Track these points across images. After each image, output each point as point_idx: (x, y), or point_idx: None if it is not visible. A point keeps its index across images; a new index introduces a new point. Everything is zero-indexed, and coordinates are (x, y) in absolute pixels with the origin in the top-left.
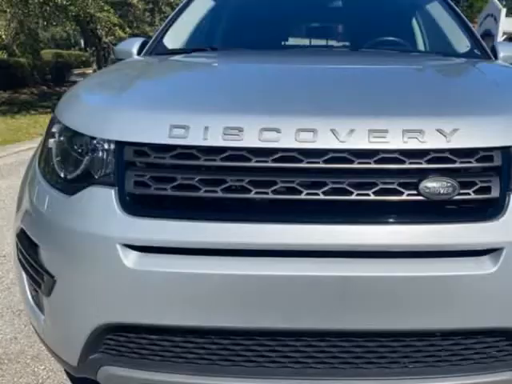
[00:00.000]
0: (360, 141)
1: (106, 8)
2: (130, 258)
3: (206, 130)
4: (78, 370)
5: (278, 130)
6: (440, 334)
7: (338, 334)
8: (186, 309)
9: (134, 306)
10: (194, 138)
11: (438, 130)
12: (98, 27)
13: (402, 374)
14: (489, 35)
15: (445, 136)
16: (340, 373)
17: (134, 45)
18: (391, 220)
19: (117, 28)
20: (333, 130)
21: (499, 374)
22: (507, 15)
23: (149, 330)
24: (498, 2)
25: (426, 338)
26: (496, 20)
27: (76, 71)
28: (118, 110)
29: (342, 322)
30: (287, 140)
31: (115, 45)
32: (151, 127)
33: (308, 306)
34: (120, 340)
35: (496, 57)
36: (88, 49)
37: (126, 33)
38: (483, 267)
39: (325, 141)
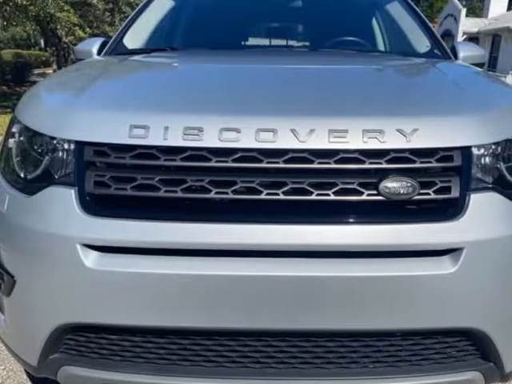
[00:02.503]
0: (320, 141)
1: (65, 8)
2: (90, 258)
3: (166, 130)
4: (38, 370)
5: (237, 130)
6: (400, 334)
7: (298, 334)
8: (145, 309)
9: (94, 306)
10: (154, 138)
11: (398, 130)
12: (58, 27)
13: (362, 373)
14: (449, 35)
15: (405, 136)
16: (300, 373)
17: (94, 45)
18: (351, 220)
19: (77, 28)
20: (293, 130)
21: (459, 374)
22: (467, 15)
23: (109, 330)
24: (458, 2)
25: (386, 338)
26: (456, 20)
27: (36, 71)
28: (77, 110)
29: (301, 322)
30: (247, 140)
31: (75, 45)
32: (111, 127)
33: (267, 306)
34: (80, 340)
35: (456, 57)
36: (48, 49)
37: (86, 33)
38: (443, 267)
39: (285, 141)
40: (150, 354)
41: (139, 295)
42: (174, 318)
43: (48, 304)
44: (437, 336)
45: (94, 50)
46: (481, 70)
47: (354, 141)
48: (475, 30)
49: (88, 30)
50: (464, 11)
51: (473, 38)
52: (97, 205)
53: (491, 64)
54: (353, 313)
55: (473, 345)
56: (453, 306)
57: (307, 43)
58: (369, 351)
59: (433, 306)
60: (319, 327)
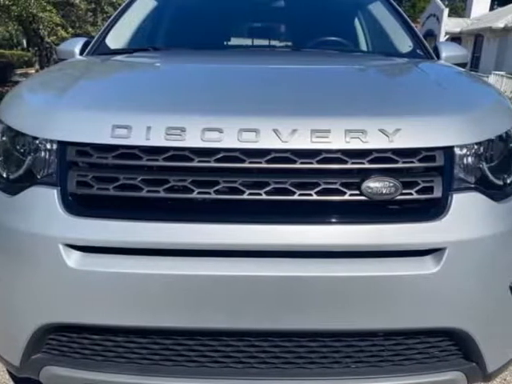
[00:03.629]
0: (302, 141)
1: (48, 8)
2: (73, 258)
3: (149, 130)
4: (20, 370)
5: (220, 130)
6: (382, 334)
7: (281, 334)
8: (128, 309)
9: (77, 306)
10: (137, 138)
11: (380, 130)
12: (41, 27)
13: (345, 373)
14: (431, 35)
15: (387, 136)
16: (282, 373)
17: (77, 45)
18: (333, 220)
19: (59, 28)
20: (275, 130)
21: (442, 373)
22: (449, 15)
23: (91, 330)
24: (440, 3)
25: (368, 338)
26: (438, 20)
27: (19, 71)
28: (60, 110)
29: (283, 322)
30: (229, 140)
31: (58, 45)
32: (93, 127)
33: (249, 306)
34: (62, 340)
35: (438, 57)
36: (31, 49)
37: (68, 33)
38: (425, 267)
39: (267, 141)
40: (133, 354)
41: (122, 295)
42: (156, 318)
43: (30, 304)
44: (419, 336)
45: (77, 50)
46: (463, 70)
47: (337, 141)
48: (458, 30)
49: (70, 30)
50: (446, 11)
51: (455, 38)
52: (79, 205)
53: (473, 64)
54: (335, 313)
55: (455, 345)
56: (435, 306)
57: (289, 43)
58: (351, 351)
59: (415, 306)
60: (301, 327)
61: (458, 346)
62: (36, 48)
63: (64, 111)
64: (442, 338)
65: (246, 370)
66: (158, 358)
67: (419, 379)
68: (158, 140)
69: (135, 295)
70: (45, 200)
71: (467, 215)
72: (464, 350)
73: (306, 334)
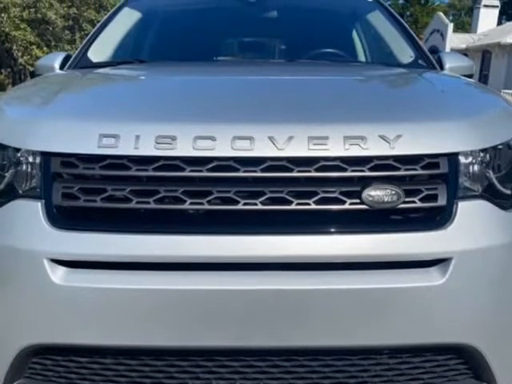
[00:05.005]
0: (299, 148)
1: (22, 26)
2: (58, 274)
3: (138, 139)
4: None
5: (212, 138)
6: (387, 352)
7: (279, 353)
8: (116, 327)
9: (62, 324)
10: (125, 148)
11: (380, 137)
12: (14, 47)
13: None
14: (435, 52)
15: (388, 142)
16: None
17: (57, 59)
18: (333, 230)
19: (34, 47)
20: (271, 138)
21: None
22: (455, 31)
23: (77, 351)
24: (444, 17)
25: (372, 357)
26: (443, 36)
27: None
28: (42, 120)
29: (282, 338)
30: (223, 148)
31: (32, 65)
32: (79, 137)
33: (245, 321)
34: (47, 364)
35: (442, 68)
36: (3, 70)
37: (43, 52)
38: (431, 279)
39: (262, 149)
40: (122, 378)
41: (110, 313)
42: (147, 336)
43: (12, 323)
44: (426, 354)
45: (56, 64)
46: (469, 79)
47: (335, 148)
48: (463, 46)
49: (46, 48)
50: (451, 26)
51: None
52: (65, 218)
53: (482, 82)
54: (336, 328)
55: (464, 363)
56: (442, 320)
57: (284, 55)
58: (354, 370)
59: (420, 320)
60: (301, 344)
61: (467, 364)
62: (9, 69)
63: (47, 121)
64: (450, 356)
65: None
66: (149, 382)
67: None
68: (148, 149)
69: (125, 312)
70: (28, 213)
71: (474, 224)
72: (474, 369)
73: (306, 352)
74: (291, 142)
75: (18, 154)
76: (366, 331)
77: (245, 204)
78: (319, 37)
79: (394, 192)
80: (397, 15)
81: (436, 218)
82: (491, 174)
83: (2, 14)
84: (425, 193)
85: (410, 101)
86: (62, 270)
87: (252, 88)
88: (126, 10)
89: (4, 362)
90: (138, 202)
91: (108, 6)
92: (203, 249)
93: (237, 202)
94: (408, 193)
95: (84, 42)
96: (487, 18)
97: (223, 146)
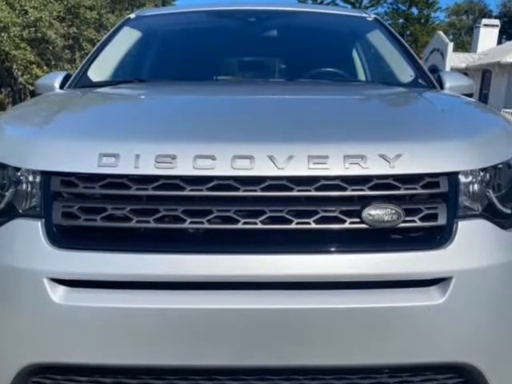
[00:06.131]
0: (299, 167)
1: (22, 45)
2: (58, 293)
3: (138, 158)
4: None
5: (212, 157)
6: (387, 371)
7: (279, 372)
8: (117, 346)
9: (62, 343)
10: (125, 167)
11: (380, 156)
12: (14, 66)
13: None
14: (435, 71)
15: (388, 162)
16: None
17: (57, 79)
18: (333, 249)
19: (34, 66)
20: (271, 157)
21: None
22: (455, 50)
23: (77, 370)
24: (444, 36)
25: (372, 376)
26: (443, 55)
27: None
28: (42, 139)
29: (282, 357)
30: (223, 167)
31: (32, 84)
32: (79, 156)
33: (245, 340)
34: (46, 383)
35: (442, 87)
36: (3, 90)
37: (43, 71)
38: (431, 298)
39: (262, 168)
40: None
41: (111, 332)
42: (148, 355)
43: (13, 342)
44: (426, 372)
45: (57, 84)
46: (469, 99)
47: (335, 167)
48: (464, 65)
49: (46, 68)
50: (451, 45)
51: None
52: (65, 237)
53: (482, 101)
54: (336, 347)
55: (464, 382)
56: (442, 339)
57: (284, 74)
58: None
59: (421, 339)
60: (301, 363)
61: (467, 383)
62: (9, 89)
63: (47, 140)
64: (450, 375)
65: None
66: None
67: None
68: (148, 168)
69: (125, 331)
70: (28, 232)
71: (474, 243)
72: None
73: (306, 371)
74: (291, 161)
75: (18, 173)
76: (366, 350)
77: (245, 223)
78: (319, 56)
79: (394, 211)
80: (397, 34)
81: (436, 238)
82: (491, 194)
83: (2, 34)
84: (425, 212)
85: (409, 120)
86: (62, 289)
87: (252, 107)
88: (126, 29)
89: (4, 381)
90: (138, 221)
91: (108, 26)
92: (203, 268)
93: (237, 221)
94: (408, 212)
95: (84, 61)
96: (487, 38)
97: (223, 165)
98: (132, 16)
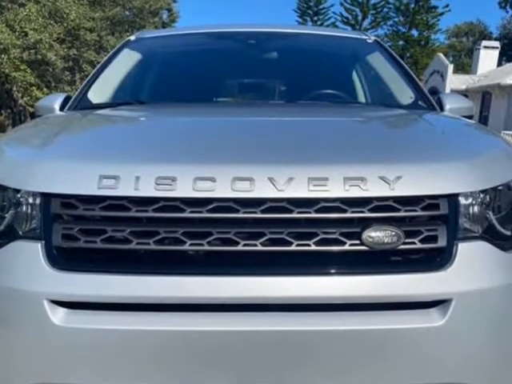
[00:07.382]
0: (299, 189)
1: (22, 67)
2: (58, 315)
3: (138, 180)
4: None
5: (212, 179)
6: None
7: None
8: (117, 368)
9: (62, 365)
10: (125, 189)
11: (380, 178)
12: (14, 88)
13: None
14: (435, 93)
15: (388, 184)
16: None
17: (57, 100)
18: (333, 271)
19: (34, 88)
20: (270, 179)
21: None
22: (455, 72)
23: None
24: (444, 58)
25: None
26: (443, 77)
27: None
28: (42, 161)
29: (282, 380)
30: (223, 189)
31: (32, 106)
32: (79, 178)
33: (244, 363)
34: None
35: (442, 109)
36: (3, 111)
37: (43, 93)
38: (431, 320)
39: (262, 190)
40: None
41: (110, 353)
42: (146, 377)
43: (13, 364)
44: None
45: (56, 105)
46: (469, 120)
47: (335, 189)
48: (463, 87)
49: (45, 89)
50: (451, 67)
51: None
52: (65, 259)
53: (482, 123)
54: (336, 369)
55: None
56: (442, 361)
57: (283, 96)
58: None
59: (421, 360)
60: None
61: None
62: (9, 110)
63: (47, 162)
64: None
65: None
66: None
67: None
68: (148, 190)
69: (125, 353)
70: (28, 254)
71: (474, 265)
72: None
73: None
74: (291, 183)
75: (18, 195)
76: (366, 372)
77: (245, 245)
78: (319, 78)
79: (394, 233)
80: (397, 56)
81: (436, 259)
82: (491, 215)
83: (2, 56)
84: (425, 234)
85: (409, 142)
86: (62, 311)
87: (252, 129)
88: (125, 51)
89: None
90: (138, 243)
91: (108, 47)
92: (203, 290)
93: (237, 243)
94: (408, 234)
95: (84, 83)
96: (487, 59)
97: (223, 187)
98: (132, 38)
